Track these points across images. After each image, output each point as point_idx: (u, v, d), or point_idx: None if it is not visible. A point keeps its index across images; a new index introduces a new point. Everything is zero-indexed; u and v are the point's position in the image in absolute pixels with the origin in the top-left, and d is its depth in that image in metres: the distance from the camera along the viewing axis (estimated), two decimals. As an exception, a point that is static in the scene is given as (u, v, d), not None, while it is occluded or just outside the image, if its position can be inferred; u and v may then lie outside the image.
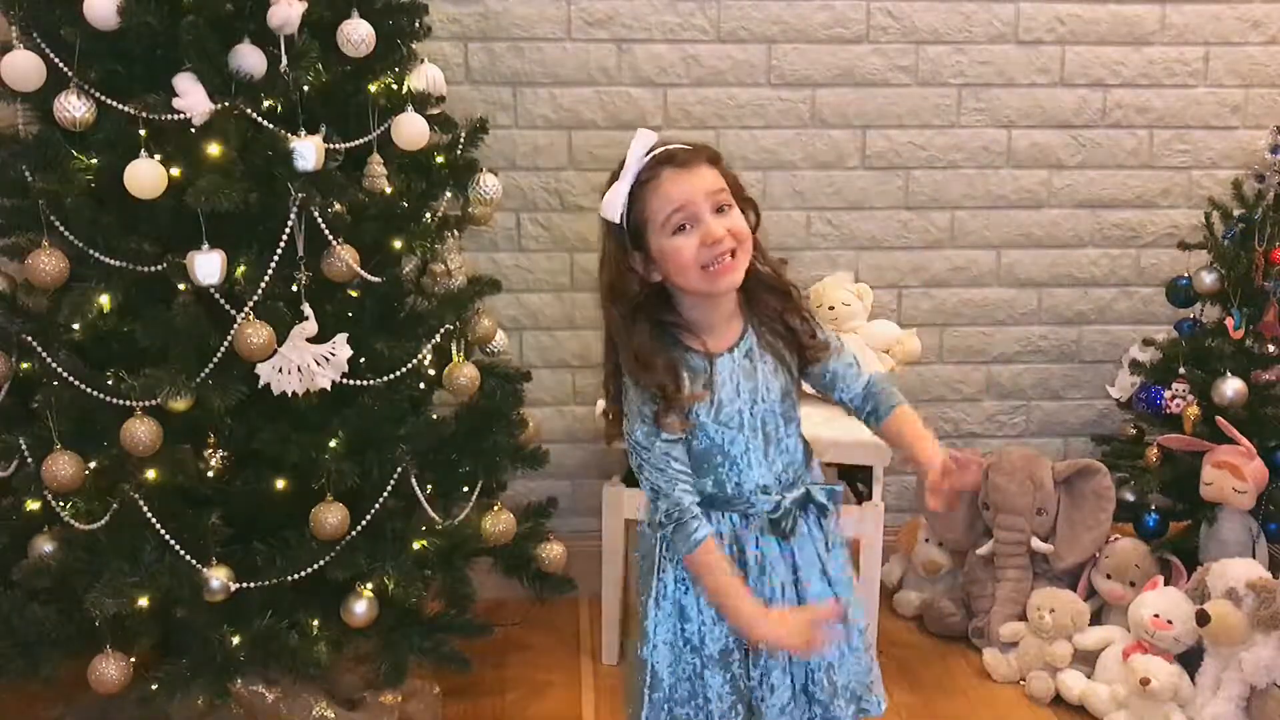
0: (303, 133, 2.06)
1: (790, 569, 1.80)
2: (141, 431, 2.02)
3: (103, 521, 2.08)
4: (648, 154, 1.69)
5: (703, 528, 1.72)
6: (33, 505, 2.14)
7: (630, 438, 1.76)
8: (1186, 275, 2.79)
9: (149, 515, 2.06)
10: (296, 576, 2.14)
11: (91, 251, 2.05)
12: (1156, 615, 2.50)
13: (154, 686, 2.12)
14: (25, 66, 1.99)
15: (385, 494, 2.19)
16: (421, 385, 2.37)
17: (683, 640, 1.82)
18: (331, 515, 2.13)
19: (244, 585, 2.12)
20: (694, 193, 1.67)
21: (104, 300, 2.06)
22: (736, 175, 1.76)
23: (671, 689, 1.82)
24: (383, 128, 2.21)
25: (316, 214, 2.08)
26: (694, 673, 1.81)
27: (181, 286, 2.05)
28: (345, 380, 2.14)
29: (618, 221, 1.70)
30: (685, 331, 1.75)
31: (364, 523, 2.18)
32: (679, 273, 1.69)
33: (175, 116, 1.99)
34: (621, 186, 1.69)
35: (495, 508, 2.40)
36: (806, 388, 1.87)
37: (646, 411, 1.72)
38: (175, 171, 2.00)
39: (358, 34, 2.12)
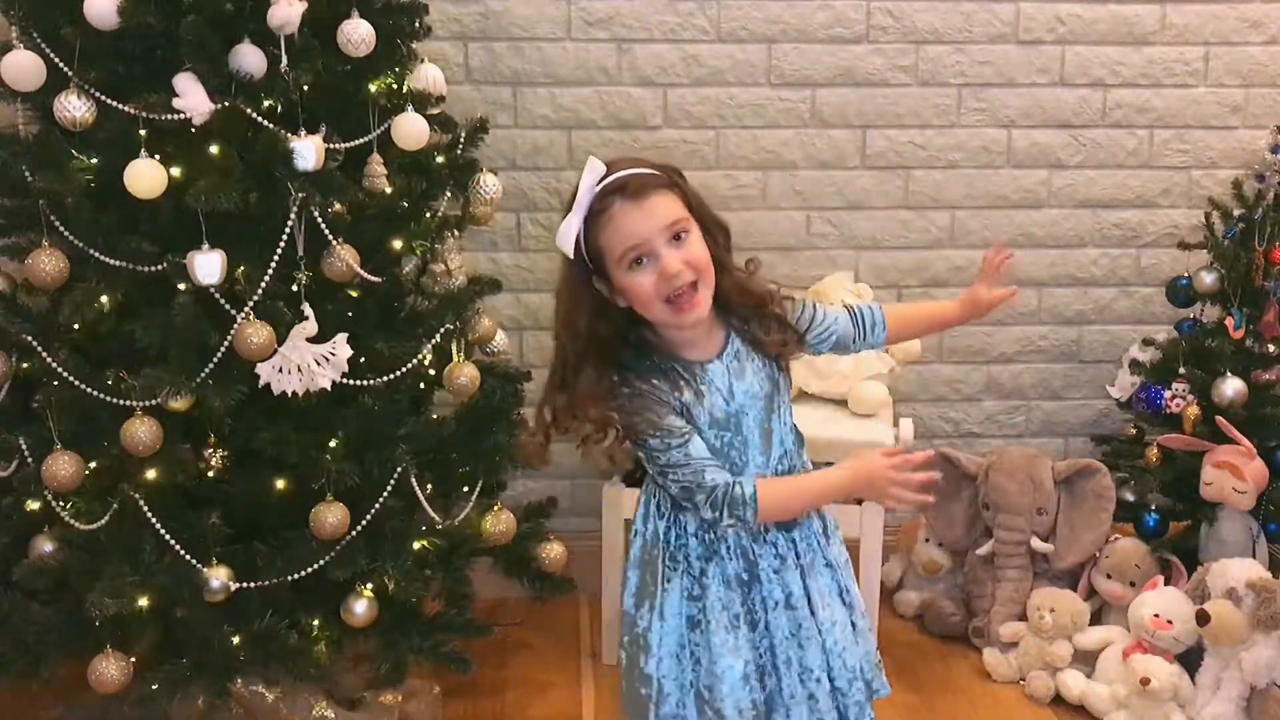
0: (303, 133, 2.06)
1: (795, 559, 1.80)
2: (141, 431, 2.02)
3: (103, 521, 2.08)
4: (599, 184, 1.65)
5: (746, 481, 1.71)
6: (33, 505, 2.14)
7: (645, 452, 1.73)
8: (1186, 275, 2.79)
9: (149, 515, 2.06)
10: (296, 576, 2.14)
11: (91, 251, 2.05)
12: (1156, 615, 2.50)
13: (154, 686, 2.12)
14: (25, 66, 1.99)
15: (385, 494, 2.19)
16: (421, 385, 2.37)
17: (689, 653, 1.80)
18: (331, 515, 2.13)
19: (244, 585, 2.12)
20: (647, 228, 1.64)
21: (104, 300, 2.06)
22: (698, 194, 1.73)
23: (679, 704, 1.81)
24: (383, 128, 2.21)
25: (316, 214, 2.08)
26: (704, 686, 1.79)
27: (181, 286, 2.05)
28: (345, 380, 2.14)
29: (572, 255, 1.68)
30: (670, 345, 1.75)
31: (364, 523, 2.18)
32: (643, 308, 1.69)
33: (175, 116, 1.99)
34: (574, 219, 1.66)
35: (495, 508, 2.40)
36: (813, 359, 1.88)
37: (649, 418, 1.70)
38: (175, 171, 2.00)
39: (358, 34, 2.12)
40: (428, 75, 2.30)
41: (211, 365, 2.04)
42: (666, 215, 1.66)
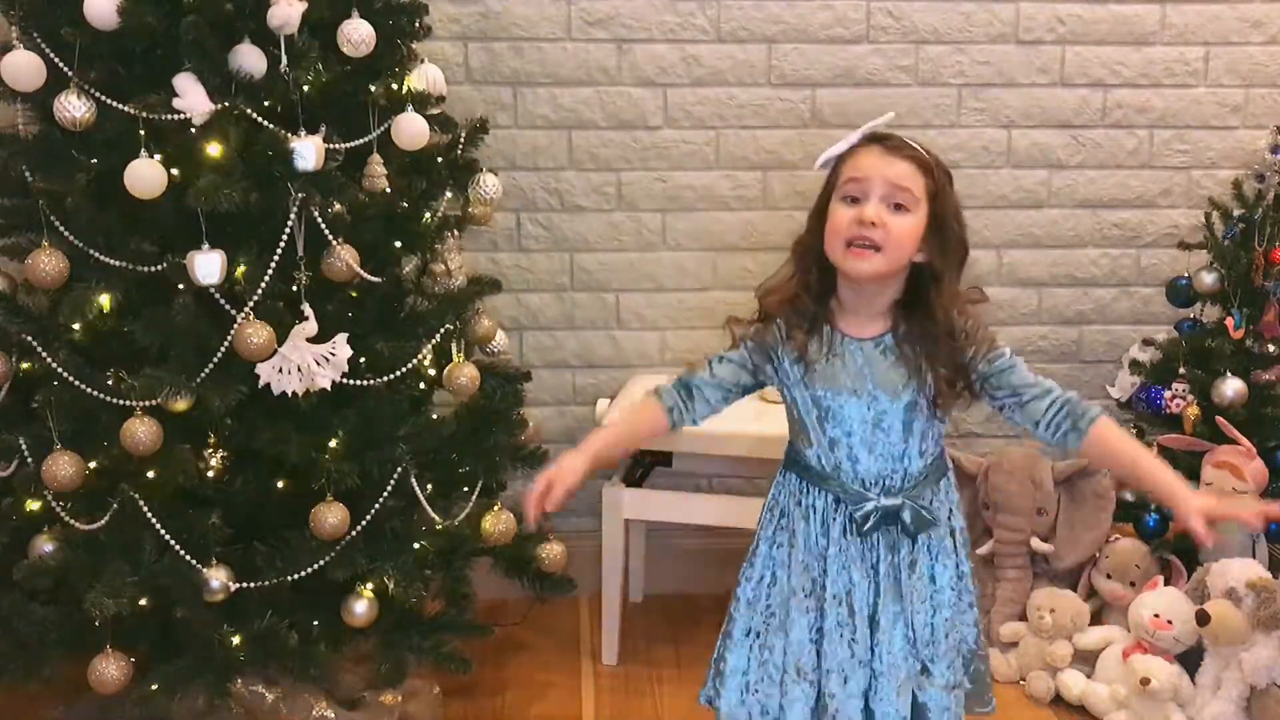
0: (303, 133, 2.06)
1: (866, 573, 1.81)
2: (141, 431, 2.02)
3: (103, 521, 2.08)
4: (872, 128, 1.75)
5: (664, 395, 1.85)
6: (33, 505, 2.14)
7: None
8: (1186, 275, 2.79)
9: (149, 515, 2.06)
10: (296, 576, 2.14)
11: (91, 251, 2.05)
12: (1156, 615, 2.50)
13: (154, 686, 2.12)
14: (25, 66, 1.99)
15: (385, 494, 2.19)
16: (421, 385, 2.37)
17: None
18: (331, 515, 2.13)
19: (244, 585, 2.12)
20: (876, 173, 1.71)
21: (104, 300, 2.06)
22: (958, 205, 1.76)
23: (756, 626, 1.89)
24: (383, 128, 2.21)
25: (316, 214, 2.08)
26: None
27: (181, 286, 2.05)
28: (345, 380, 2.14)
29: (819, 167, 1.78)
30: (833, 309, 1.80)
31: (364, 523, 2.18)
32: (828, 237, 1.75)
33: (175, 116, 1.99)
34: (843, 143, 1.76)
35: (495, 508, 2.40)
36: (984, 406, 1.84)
37: (740, 351, 1.83)
38: (175, 171, 2.00)
39: (358, 34, 2.12)
40: (428, 75, 2.30)
41: (211, 365, 2.04)
42: (899, 178, 1.70)
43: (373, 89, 2.22)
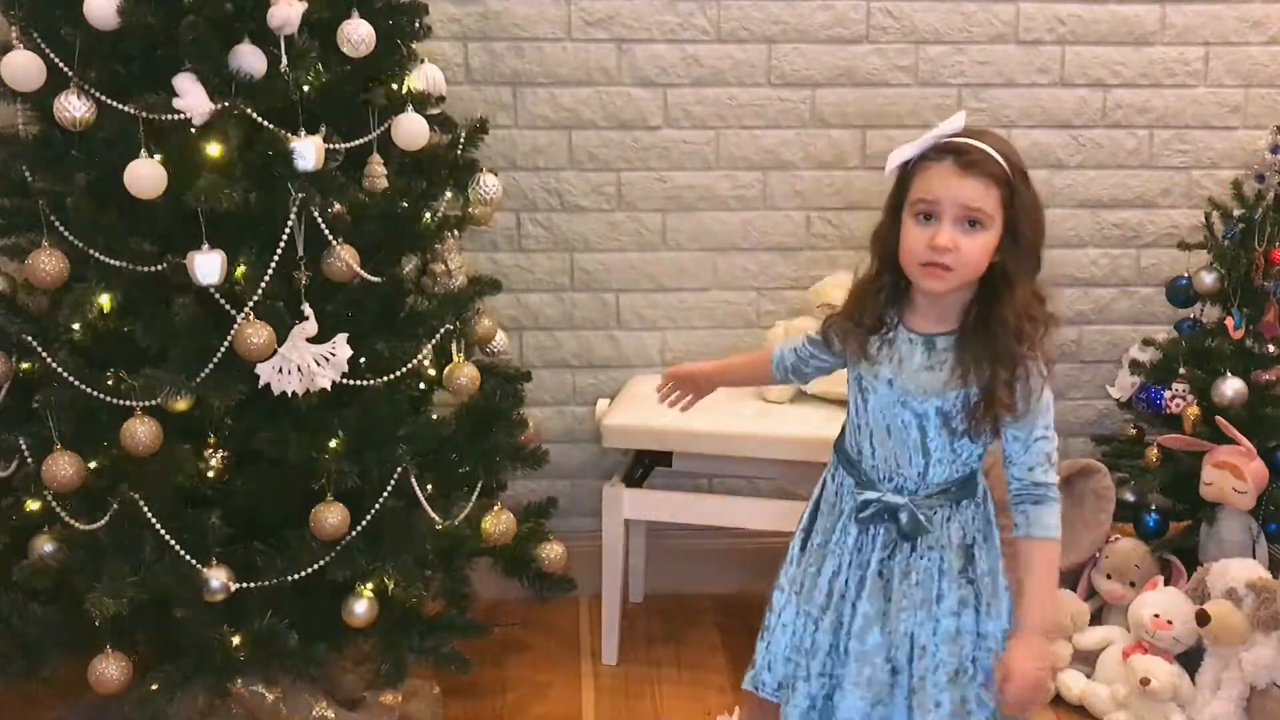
0: (303, 133, 2.06)
1: (860, 564, 1.83)
2: (141, 431, 2.02)
3: (103, 521, 2.08)
4: (948, 136, 1.70)
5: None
6: (33, 505, 2.14)
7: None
8: (1186, 275, 2.79)
9: (149, 515, 2.06)
10: (296, 576, 2.14)
11: (91, 251, 2.05)
12: (1156, 615, 2.50)
13: (154, 686, 2.12)
14: (25, 66, 1.99)
15: (385, 494, 2.19)
16: (421, 385, 2.37)
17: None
18: (331, 515, 2.13)
19: (244, 585, 2.12)
20: (947, 194, 1.67)
21: (104, 300, 2.06)
22: (1035, 209, 1.73)
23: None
24: (383, 128, 2.21)
25: (316, 214, 2.08)
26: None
27: (181, 286, 2.05)
28: (345, 380, 2.14)
29: (894, 177, 1.76)
30: (907, 302, 1.80)
31: (364, 523, 2.18)
32: (903, 254, 1.74)
33: (175, 116, 1.99)
34: (911, 148, 1.72)
35: (495, 508, 2.40)
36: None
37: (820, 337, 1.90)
38: (175, 171, 2.00)
39: (358, 34, 2.12)
40: (428, 75, 2.30)
41: (211, 365, 2.04)
42: (973, 199, 1.67)
43: (373, 89, 2.22)
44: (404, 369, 2.23)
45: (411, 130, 2.21)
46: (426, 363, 2.29)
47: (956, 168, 1.67)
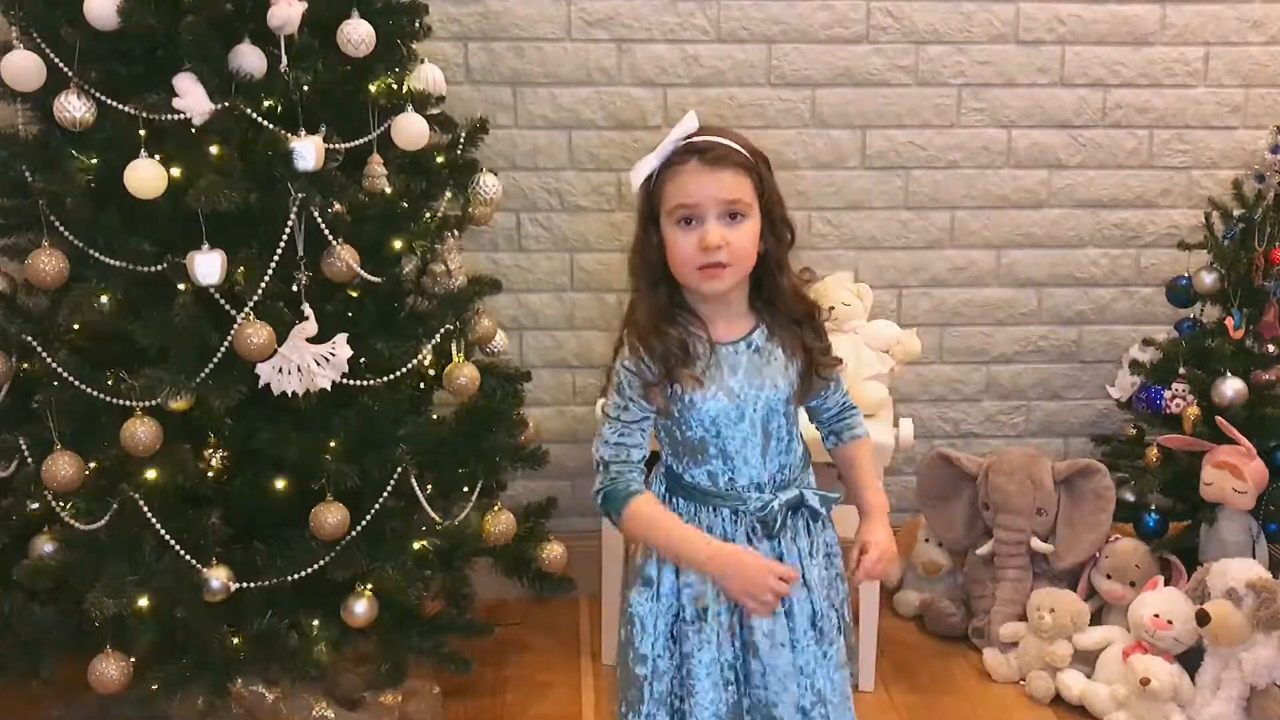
0: (303, 133, 2.06)
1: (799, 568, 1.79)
2: (141, 431, 2.02)
3: (103, 521, 2.08)
4: (686, 138, 1.69)
5: (637, 483, 1.75)
6: (33, 505, 2.14)
7: (601, 410, 1.78)
8: (1186, 275, 2.79)
9: (149, 515, 2.06)
10: (296, 576, 2.14)
11: (91, 251, 2.05)
12: (1156, 615, 2.50)
13: (154, 686, 2.12)
14: (25, 66, 1.99)
15: (385, 494, 2.19)
16: (421, 385, 2.37)
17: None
18: (331, 515, 2.13)
19: (244, 585, 2.12)
20: (706, 194, 1.67)
21: (104, 300, 2.06)
22: (778, 190, 1.75)
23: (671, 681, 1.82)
24: (383, 128, 2.21)
25: (316, 214, 2.08)
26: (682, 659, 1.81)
27: (181, 286, 2.05)
28: (345, 380, 2.14)
29: (640, 189, 1.72)
30: (693, 317, 1.75)
31: (364, 523, 2.18)
32: (675, 265, 1.71)
33: (175, 116, 1.99)
34: (652, 160, 1.70)
35: (495, 508, 2.40)
36: None
37: (632, 382, 1.73)
38: (175, 171, 2.00)
39: (358, 34, 2.12)
40: (428, 75, 2.30)
41: (211, 365, 2.04)
42: (730, 191, 1.68)
43: (373, 89, 2.22)
44: (404, 369, 2.23)
45: (411, 130, 2.22)
46: (426, 363, 2.29)
47: (706, 165, 1.67)
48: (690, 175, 1.67)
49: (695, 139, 1.69)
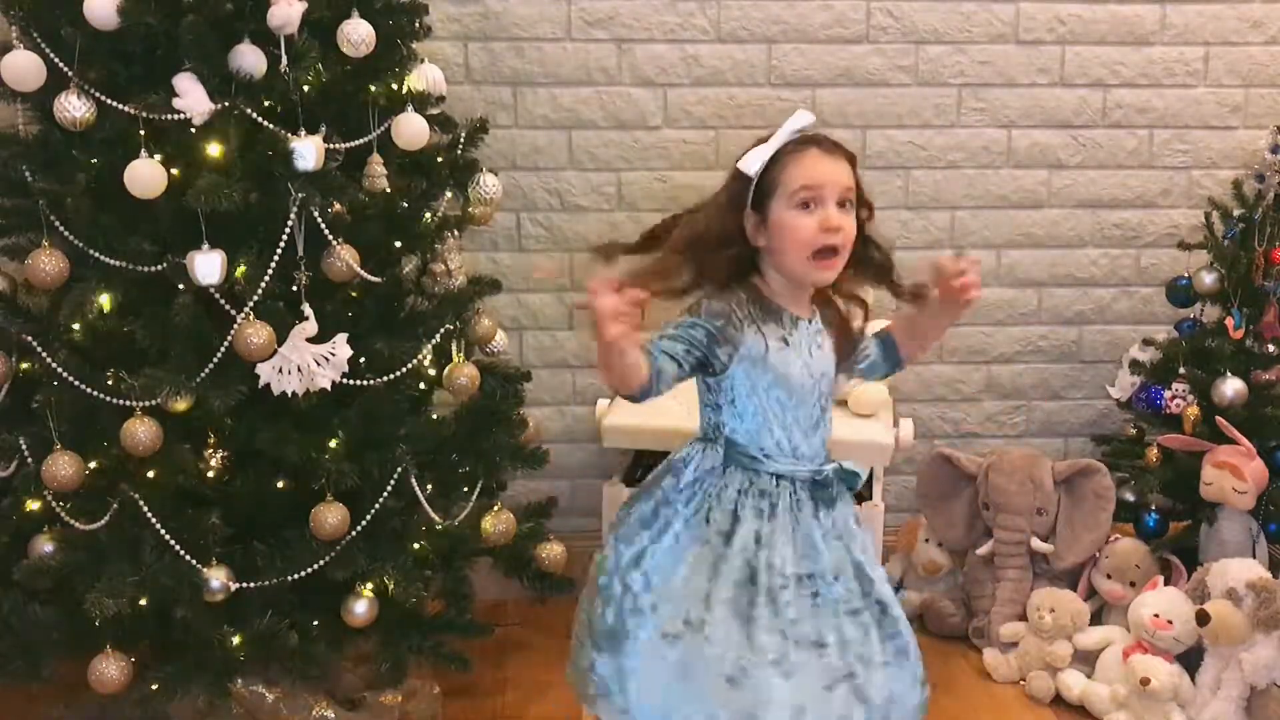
0: (303, 133, 2.06)
1: (837, 537, 1.84)
2: (141, 431, 2.02)
3: (103, 521, 2.08)
4: (799, 130, 1.77)
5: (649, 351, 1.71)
6: (33, 505, 2.14)
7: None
8: (1186, 275, 2.79)
9: (149, 515, 2.06)
10: (296, 576, 2.14)
11: (91, 251, 2.05)
12: (1156, 615, 2.50)
13: (154, 686, 2.12)
14: (25, 66, 1.99)
15: (385, 494, 2.19)
16: (421, 385, 2.37)
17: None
18: (331, 515, 2.13)
19: (244, 585, 2.12)
20: (830, 178, 1.74)
21: (104, 300, 2.07)
22: (862, 181, 1.82)
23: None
24: (383, 128, 2.21)
25: (316, 214, 2.08)
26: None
27: (181, 286, 2.05)
28: (345, 380, 2.14)
29: (752, 177, 1.77)
30: (775, 296, 1.81)
31: (364, 523, 2.18)
32: (789, 249, 1.76)
33: (175, 116, 1.99)
34: (768, 148, 1.77)
35: (495, 508, 2.40)
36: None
37: (715, 319, 1.73)
38: (175, 171, 2.00)
39: (358, 34, 2.12)
40: (428, 75, 2.30)
41: (211, 365, 2.04)
42: (847, 180, 1.77)
43: (373, 89, 2.22)
44: (404, 369, 2.23)
45: (411, 130, 2.22)
46: (426, 363, 2.29)
47: (825, 153, 1.76)
48: (814, 160, 1.75)
49: (810, 130, 1.78)
